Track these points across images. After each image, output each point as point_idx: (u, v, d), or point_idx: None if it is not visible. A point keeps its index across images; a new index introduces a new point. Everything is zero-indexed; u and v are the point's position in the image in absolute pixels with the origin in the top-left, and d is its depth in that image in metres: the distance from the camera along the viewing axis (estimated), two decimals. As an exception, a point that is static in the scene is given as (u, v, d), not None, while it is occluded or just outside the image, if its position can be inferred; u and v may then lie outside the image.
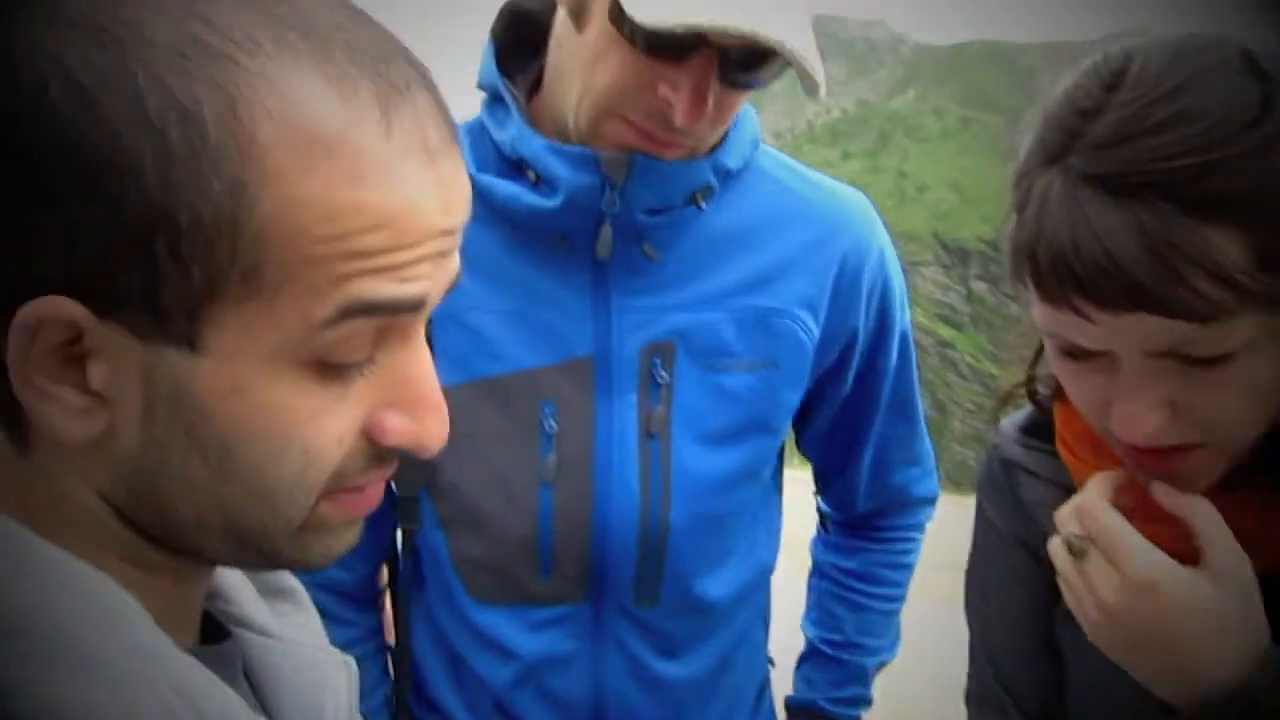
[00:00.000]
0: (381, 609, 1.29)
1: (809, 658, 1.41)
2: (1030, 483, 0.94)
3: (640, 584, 1.14)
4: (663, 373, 1.10)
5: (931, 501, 1.42)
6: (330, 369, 0.49)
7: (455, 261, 0.54)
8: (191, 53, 0.44)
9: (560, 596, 1.14)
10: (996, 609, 0.99)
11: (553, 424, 1.09)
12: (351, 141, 0.46)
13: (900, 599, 1.42)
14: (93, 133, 0.43)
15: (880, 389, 1.27)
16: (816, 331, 1.15)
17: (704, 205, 1.10)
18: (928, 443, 1.39)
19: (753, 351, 1.13)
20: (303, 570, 0.57)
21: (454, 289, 1.10)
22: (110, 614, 0.48)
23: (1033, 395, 0.93)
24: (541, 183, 1.06)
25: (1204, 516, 0.76)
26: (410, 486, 1.13)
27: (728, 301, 1.12)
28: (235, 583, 0.64)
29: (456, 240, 0.53)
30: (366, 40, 0.49)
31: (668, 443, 1.11)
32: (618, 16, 0.95)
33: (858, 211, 1.20)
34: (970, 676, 1.03)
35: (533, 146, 1.05)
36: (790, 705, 1.41)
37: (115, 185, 0.43)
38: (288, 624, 0.65)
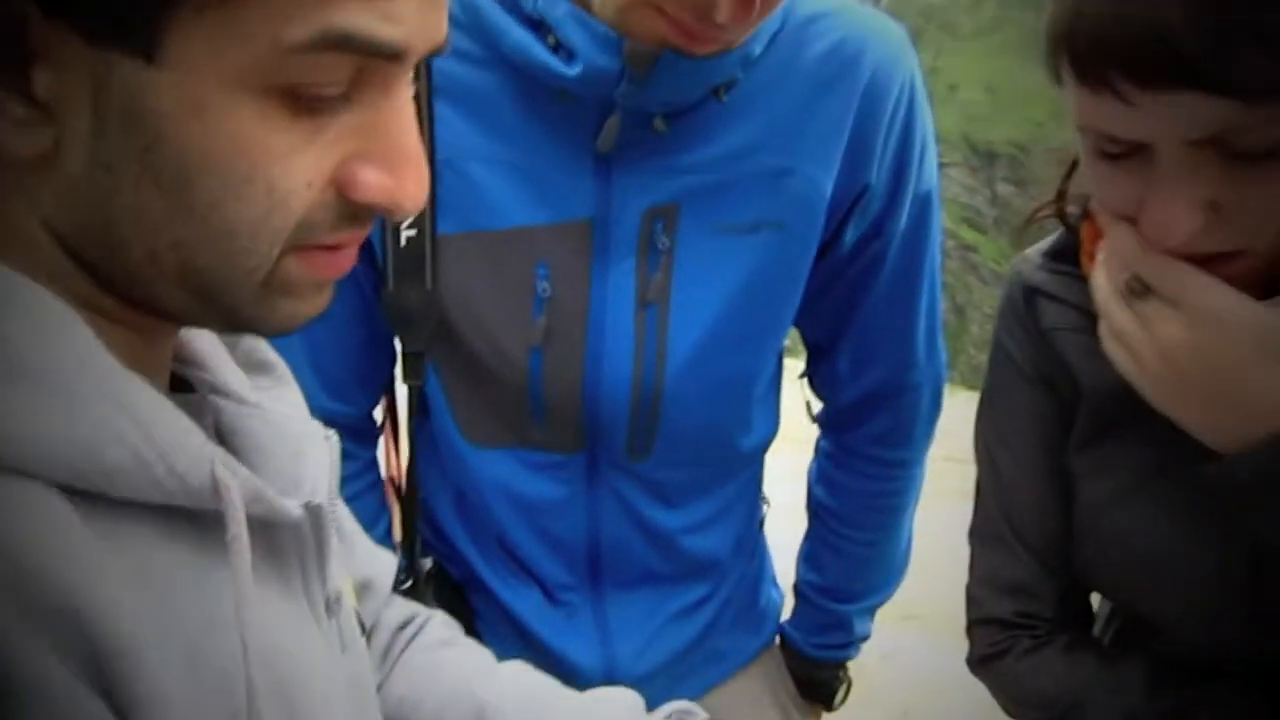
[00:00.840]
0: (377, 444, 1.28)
1: (797, 597, 1.37)
2: (1053, 309, 0.90)
3: (633, 442, 1.11)
4: (664, 238, 1.04)
5: (927, 420, 1.27)
6: (301, 104, 0.45)
7: (443, 21, 0.49)
8: None
9: (555, 444, 1.12)
10: (1008, 443, 0.96)
11: (545, 286, 1.05)
12: None
13: (890, 542, 1.33)
14: None
15: (883, 256, 1.14)
16: (829, 187, 1.07)
17: (725, 99, 1.01)
18: (940, 352, 1.23)
19: (759, 212, 1.06)
20: (267, 334, 0.54)
21: (451, 131, 1.02)
22: (46, 324, 0.45)
23: (1061, 215, 0.89)
24: (560, 49, 0.97)
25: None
26: (419, 343, 1.10)
27: (735, 163, 1.04)
28: (210, 350, 0.61)
29: None
30: None
31: (665, 310, 1.06)
32: None
33: (889, 32, 1.10)
34: (975, 512, 1.00)
35: (558, 11, 0.96)
36: (782, 640, 1.38)
37: None
38: (267, 396, 0.63)
